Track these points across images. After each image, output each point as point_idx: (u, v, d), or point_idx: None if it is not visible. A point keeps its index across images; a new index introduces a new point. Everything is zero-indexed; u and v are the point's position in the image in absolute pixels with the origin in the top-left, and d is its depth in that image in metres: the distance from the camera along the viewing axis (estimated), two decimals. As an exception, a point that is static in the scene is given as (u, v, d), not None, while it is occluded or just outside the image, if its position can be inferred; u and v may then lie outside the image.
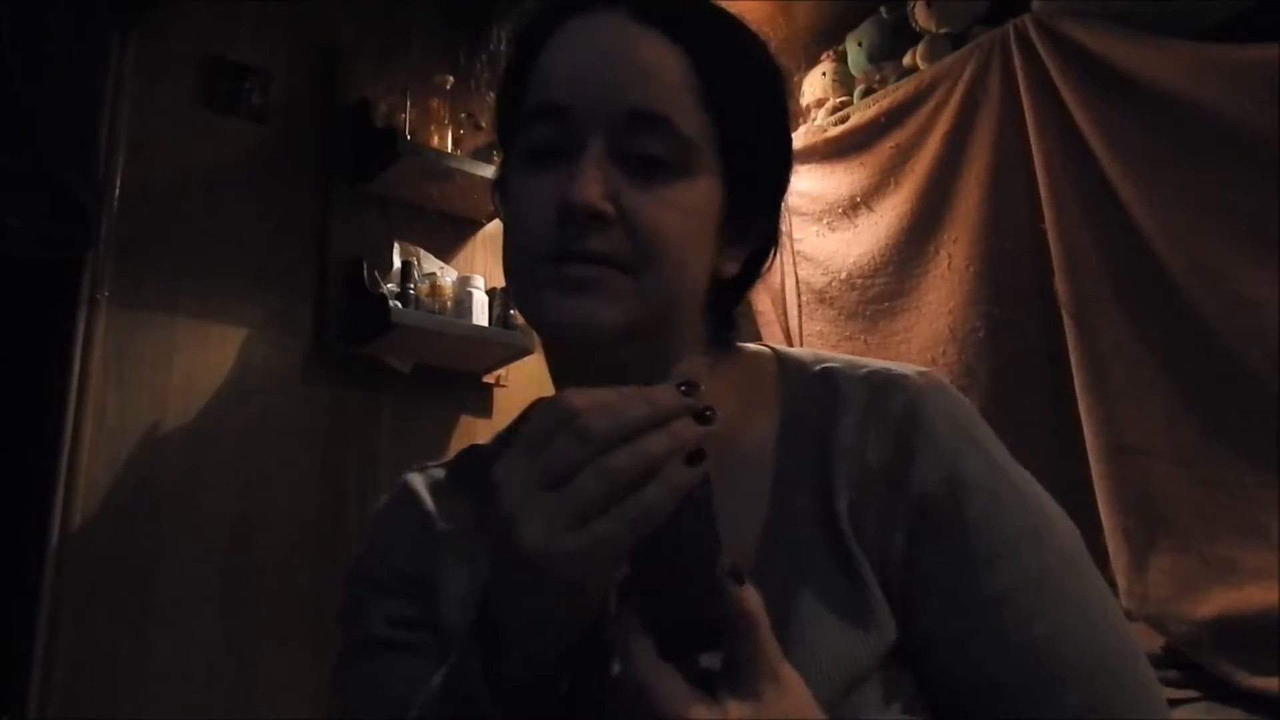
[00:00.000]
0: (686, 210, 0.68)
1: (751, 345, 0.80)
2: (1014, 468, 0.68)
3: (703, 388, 0.53)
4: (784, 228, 0.80)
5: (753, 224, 0.74)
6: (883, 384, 0.69)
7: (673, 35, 0.68)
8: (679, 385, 0.52)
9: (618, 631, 0.51)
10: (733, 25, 0.73)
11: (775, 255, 0.78)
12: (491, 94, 0.79)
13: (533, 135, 0.69)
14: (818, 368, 0.74)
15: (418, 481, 0.82)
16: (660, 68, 0.68)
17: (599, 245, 0.65)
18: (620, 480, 0.49)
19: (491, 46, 0.79)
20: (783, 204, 0.77)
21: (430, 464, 0.84)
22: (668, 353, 0.71)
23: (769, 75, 0.74)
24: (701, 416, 0.52)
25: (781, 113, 0.75)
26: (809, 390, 0.72)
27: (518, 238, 0.69)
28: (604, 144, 0.66)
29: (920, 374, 0.71)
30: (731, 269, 0.74)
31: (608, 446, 0.50)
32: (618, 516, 0.49)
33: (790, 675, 0.52)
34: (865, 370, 0.71)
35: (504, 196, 0.74)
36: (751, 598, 0.51)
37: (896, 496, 0.65)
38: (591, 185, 0.65)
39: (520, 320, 2.59)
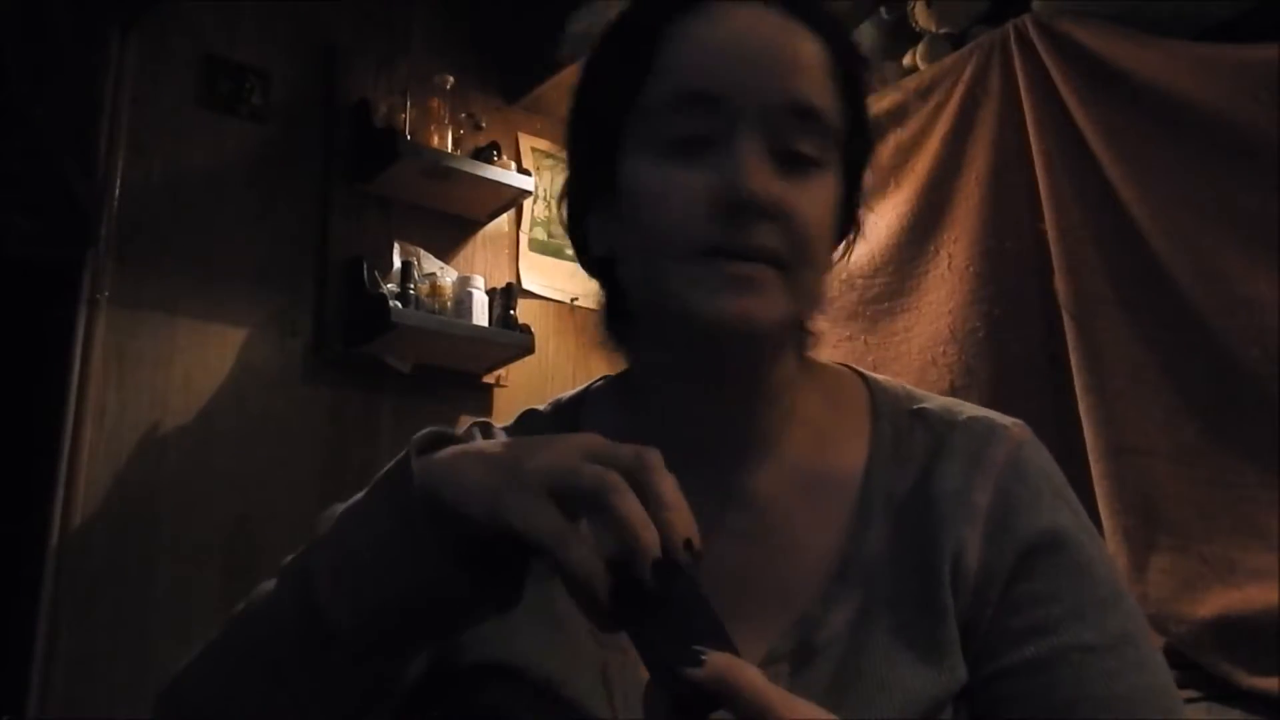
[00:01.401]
0: (827, 204, 0.67)
1: (833, 363, 0.79)
2: (1093, 528, 0.70)
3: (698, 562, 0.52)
4: None
5: (851, 216, 0.74)
6: (985, 433, 0.70)
7: (815, 27, 0.68)
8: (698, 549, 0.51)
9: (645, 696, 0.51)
10: (839, 19, 0.74)
11: (852, 247, 0.77)
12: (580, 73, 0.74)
13: (677, 123, 0.65)
14: (914, 407, 0.73)
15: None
16: (813, 60, 0.67)
17: (764, 241, 0.63)
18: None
19: (582, 25, 0.76)
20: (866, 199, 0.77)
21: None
22: (776, 355, 0.70)
23: (867, 69, 0.74)
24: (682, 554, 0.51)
25: (867, 106, 0.75)
26: (903, 427, 0.72)
27: (662, 228, 0.65)
28: (760, 135, 0.64)
29: (1017, 425, 0.72)
30: (834, 260, 0.73)
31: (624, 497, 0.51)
32: (553, 523, 0.50)
33: (811, 712, 0.50)
34: (965, 416, 0.71)
35: (619, 183, 0.69)
36: (718, 669, 0.48)
37: (1002, 540, 0.66)
38: (760, 175, 0.63)
39: (521, 320, 2.59)
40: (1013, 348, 1.96)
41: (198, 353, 2.32)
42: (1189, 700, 1.60)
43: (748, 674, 0.48)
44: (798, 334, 0.73)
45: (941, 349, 2.05)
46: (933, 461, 0.69)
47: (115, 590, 2.11)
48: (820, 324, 0.76)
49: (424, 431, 0.61)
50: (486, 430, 0.77)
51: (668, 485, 0.52)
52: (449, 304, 2.52)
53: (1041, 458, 0.71)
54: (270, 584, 0.64)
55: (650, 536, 0.50)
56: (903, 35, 2.32)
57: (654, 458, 0.53)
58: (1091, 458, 1.75)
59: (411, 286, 2.47)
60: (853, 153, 0.71)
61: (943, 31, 2.23)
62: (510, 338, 2.57)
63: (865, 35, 2.40)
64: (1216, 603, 1.60)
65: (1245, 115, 1.68)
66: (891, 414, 0.73)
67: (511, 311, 2.58)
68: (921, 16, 2.24)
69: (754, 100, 0.64)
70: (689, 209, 0.64)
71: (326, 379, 2.47)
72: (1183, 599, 1.63)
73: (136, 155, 2.32)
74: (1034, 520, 0.66)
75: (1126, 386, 1.75)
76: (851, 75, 0.70)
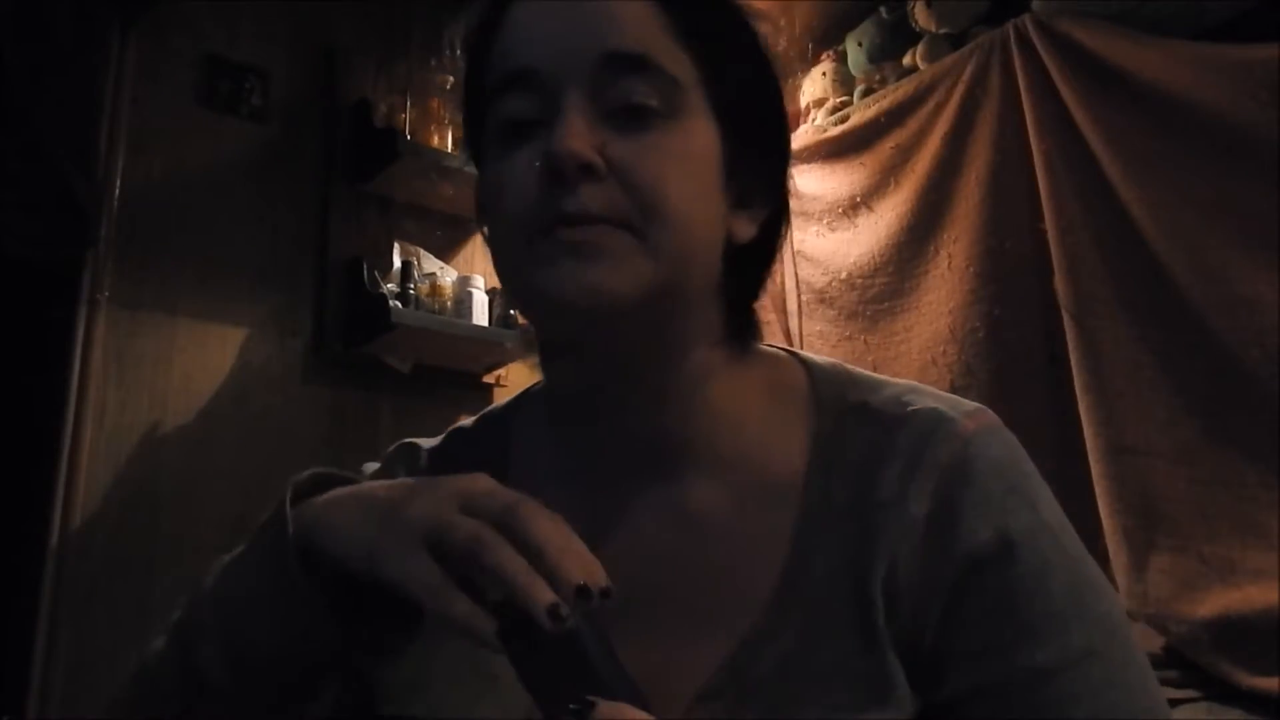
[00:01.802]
0: (682, 155, 0.61)
1: (772, 348, 0.72)
2: (1061, 525, 0.63)
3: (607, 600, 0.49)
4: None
5: (759, 180, 0.67)
6: (930, 429, 0.62)
7: None
8: (596, 591, 0.49)
9: None
10: None
11: (789, 225, 0.71)
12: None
13: (505, 108, 0.62)
14: (857, 400, 0.66)
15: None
16: (634, 12, 0.62)
17: (595, 204, 0.58)
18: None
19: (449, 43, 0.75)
20: (788, 165, 0.70)
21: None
22: (678, 342, 0.64)
23: (742, 16, 0.68)
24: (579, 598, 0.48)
25: (764, 57, 0.68)
26: (847, 423, 0.65)
27: (501, 218, 0.63)
28: (583, 97, 0.60)
29: (969, 416, 0.64)
30: (744, 232, 0.66)
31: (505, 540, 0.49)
32: (426, 578, 0.50)
33: None
34: (911, 409, 0.64)
35: (482, 186, 0.67)
36: (606, 713, 0.46)
37: (940, 554, 0.59)
38: (575, 135, 0.58)
39: (522, 320, 2.58)
40: (1013, 348, 1.96)
41: (198, 353, 2.32)
42: (1189, 700, 1.60)
43: None
44: (715, 315, 0.66)
45: (941, 349, 2.05)
46: (873, 465, 0.62)
47: (115, 590, 2.11)
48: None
49: (305, 474, 0.59)
50: (399, 456, 0.76)
51: (545, 530, 0.49)
52: (449, 304, 2.52)
53: (996, 450, 0.63)
54: (159, 642, 0.63)
55: (532, 588, 0.47)
56: (903, 35, 2.32)
57: (526, 507, 0.50)
58: (1091, 458, 1.75)
59: (411, 286, 2.47)
60: (720, 96, 0.64)
61: (943, 31, 2.23)
62: (510, 338, 2.56)
63: (865, 35, 2.40)
64: (1216, 603, 1.60)
65: (1245, 115, 1.68)
66: (834, 409, 0.66)
67: (512, 311, 2.58)
68: (921, 16, 2.24)
69: (572, 63, 0.61)
70: (523, 189, 0.60)
71: (326, 379, 2.47)
72: (1182, 599, 1.63)
73: (136, 155, 2.32)
74: (979, 527, 0.59)
75: (1126, 386, 1.75)
76: (693, 19, 0.63)
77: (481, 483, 0.53)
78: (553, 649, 0.48)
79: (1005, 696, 0.58)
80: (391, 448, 0.79)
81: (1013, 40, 2.01)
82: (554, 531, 0.50)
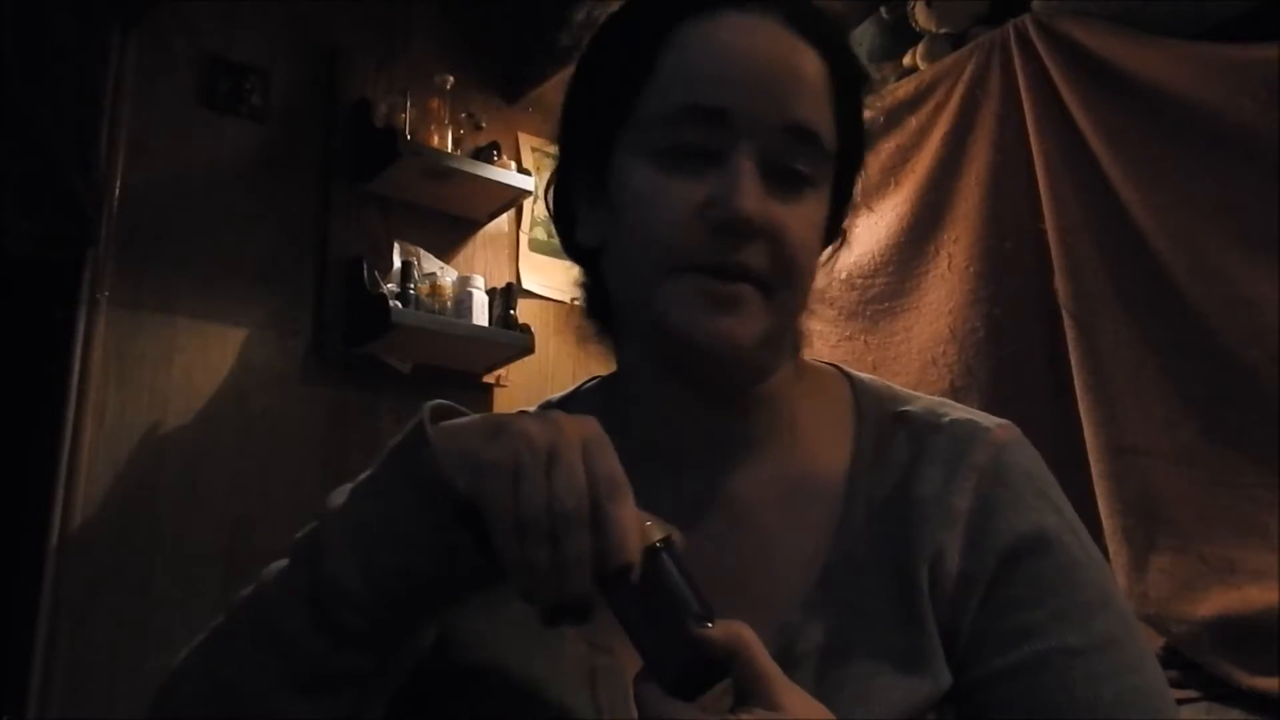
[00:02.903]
0: (817, 224, 0.68)
1: (818, 362, 0.78)
2: (1082, 528, 0.69)
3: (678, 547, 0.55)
4: None
5: (836, 229, 0.75)
6: (967, 435, 0.69)
7: (819, 42, 0.67)
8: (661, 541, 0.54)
9: (634, 685, 0.53)
10: (844, 32, 0.73)
11: (837, 255, 0.78)
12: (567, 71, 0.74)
13: (676, 132, 0.65)
14: (898, 409, 0.72)
15: None
16: (814, 79, 0.66)
17: (751, 261, 0.64)
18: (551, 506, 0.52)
19: (580, 21, 0.74)
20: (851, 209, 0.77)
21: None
22: (766, 367, 0.71)
23: (865, 84, 0.73)
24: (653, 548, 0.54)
25: (866, 132, 0.75)
26: (886, 430, 0.71)
27: (652, 236, 0.65)
28: (757, 154, 0.64)
29: (1001, 427, 0.70)
30: (818, 271, 0.73)
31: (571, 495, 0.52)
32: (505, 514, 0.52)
33: (799, 692, 0.53)
34: (948, 419, 0.70)
35: (612, 179, 0.68)
36: (731, 630, 0.52)
37: (982, 544, 0.65)
38: (757, 197, 0.63)
39: (521, 320, 2.59)
40: (1013, 348, 1.96)
41: (198, 353, 2.32)
42: (1189, 700, 1.60)
43: (755, 639, 0.52)
44: (787, 341, 0.72)
45: (941, 349, 2.05)
46: (914, 465, 0.68)
47: (115, 590, 2.11)
48: (815, 324, 0.76)
49: (432, 403, 0.61)
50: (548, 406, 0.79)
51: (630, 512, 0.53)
52: (449, 304, 2.52)
53: (1025, 458, 0.69)
54: (278, 564, 0.64)
55: (629, 537, 0.52)
56: (903, 35, 2.32)
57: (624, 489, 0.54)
58: (1091, 458, 1.75)
59: (411, 286, 2.47)
60: (845, 169, 0.71)
61: (943, 31, 2.23)
62: (510, 338, 2.56)
63: (865, 35, 2.40)
64: (1216, 603, 1.60)
65: (1245, 115, 1.68)
66: (875, 416, 0.73)
67: (511, 311, 2.58)
68: (921, 16, 2.24)
69: (754, 118, 0.64)
70: (680, 221, 0.64)
71: (326, 379, 2.47)
72: (1183, 599, 1.63)
73: (136, 155, 2.32)
74: (1016, 523, 0.65)
75: (1126, 386, 1.75)
76: (850, 92, 0.69)
77: (591, 427, 0.55)
78: (650, 587, 0.52)
79: (1038, 675, 0.62)
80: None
81: (1013, 40, 2.01)
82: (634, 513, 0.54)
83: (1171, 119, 1.77)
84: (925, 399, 0.74)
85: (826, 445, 0.72)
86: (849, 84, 0.69)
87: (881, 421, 0.72)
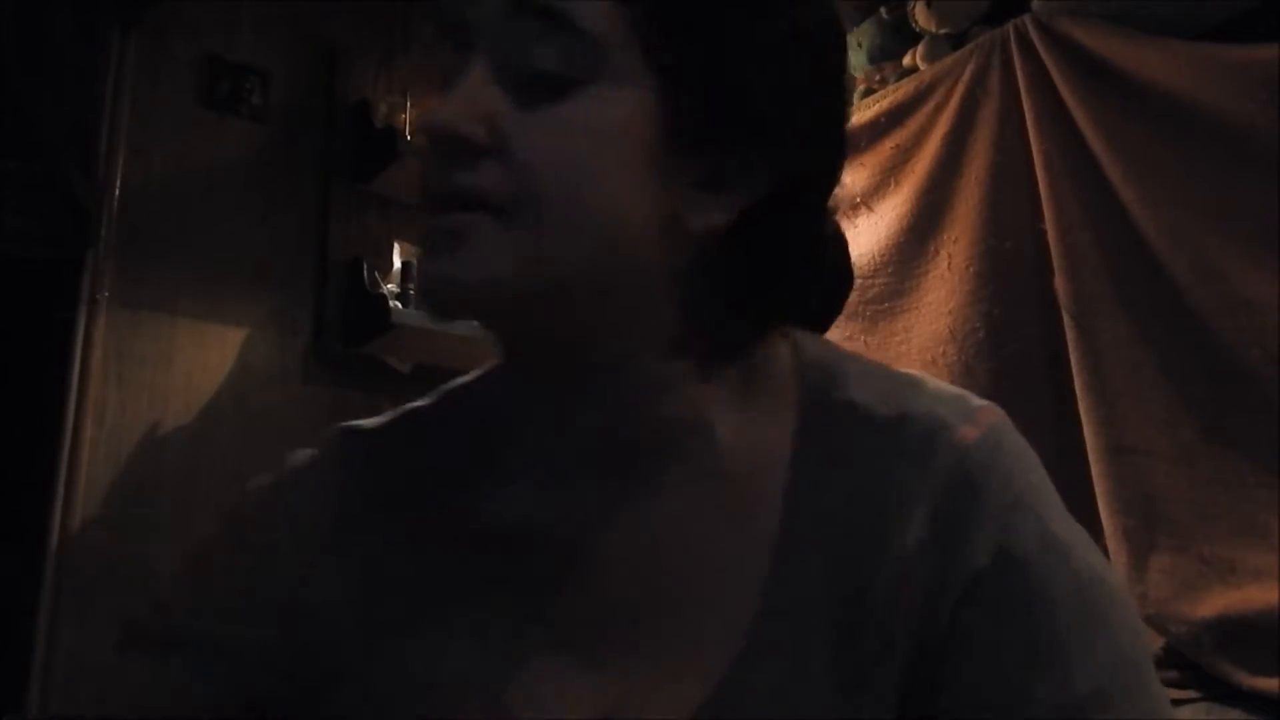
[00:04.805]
0: (589, 131, 0.51)
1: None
2: (1072, 540, 0.56)
3: None
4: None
5: (733, 158, 0.53)
6: (930, 434, 0.56)
7: None
8: None
9: None
10: None
11: (809, 210, 0.58)
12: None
13: (441, 57, 0.55)
14: (846, 397, 0.59)
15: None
16: None
17: (468, 182, 0.51)
18: None
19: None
20: (799, 142, 0.55)
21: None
22: (616, 341, 0.55)
23: None
24: None
25: (759, 9, 0.53)
26: (836, 420, 0.58)
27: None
28: (491, 58, 0.52)
29: (970, 421, 0.57)
30: (711, 219, 0.54)
31: None
32: None
33: None
34: (907, 412, 0.57)
35: None
36: None
37: (944, 567, 0.53)
38: (452, 104, 0.51)
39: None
40: (1013, 348, 1.96)
41: (198, 352, 2.32)
42: (1189, 700, 1.60)
43: None
44: (669, 313, 0.55)
45: (941, 349, 2.04)
46: (868, 467, 0.56)
47: (115, 590, 2.11)
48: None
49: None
50: (339, 447, 0.71)
51: None
52: (449, 304, 2.52)
53: (997, 460, 0.56)
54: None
55: None
56: (903, 35, 2.32)
57: None
58: (1091, 458, 1.75)
59: (411, 286, 2.47)
60: (667, 58, 0.51)
61: (943, 31, 2.23)
62: (510, 338, 2.56)
63: (865, 35, 2.40)
64: (1216, 603, 1.59)
65: (1245, 115, 1.68)
66: (821, 403, 0.59)
67: (511, 311, 2.58)
68: (921, 17, 2.24)
69: (482, 9, 0.52)
70: (426, 152, 0.54)
71: (326, 379, 2.47)
72: (1182, 599, 1.63)
73: (136, 155, 2.32)
74: (980, 542, 0.53)
75: (1126, 386, 1.75)
76: None
77: None
78: None
79: None
80: (329, 432, 0.72)
81: (1013, 40, 2.01)
82: None
83: (1172, 119, 1.76)
84: (885, 379, 0.60)
85: (759, 450, 0.58)
86: None
87: (830, 406, 0.59)
